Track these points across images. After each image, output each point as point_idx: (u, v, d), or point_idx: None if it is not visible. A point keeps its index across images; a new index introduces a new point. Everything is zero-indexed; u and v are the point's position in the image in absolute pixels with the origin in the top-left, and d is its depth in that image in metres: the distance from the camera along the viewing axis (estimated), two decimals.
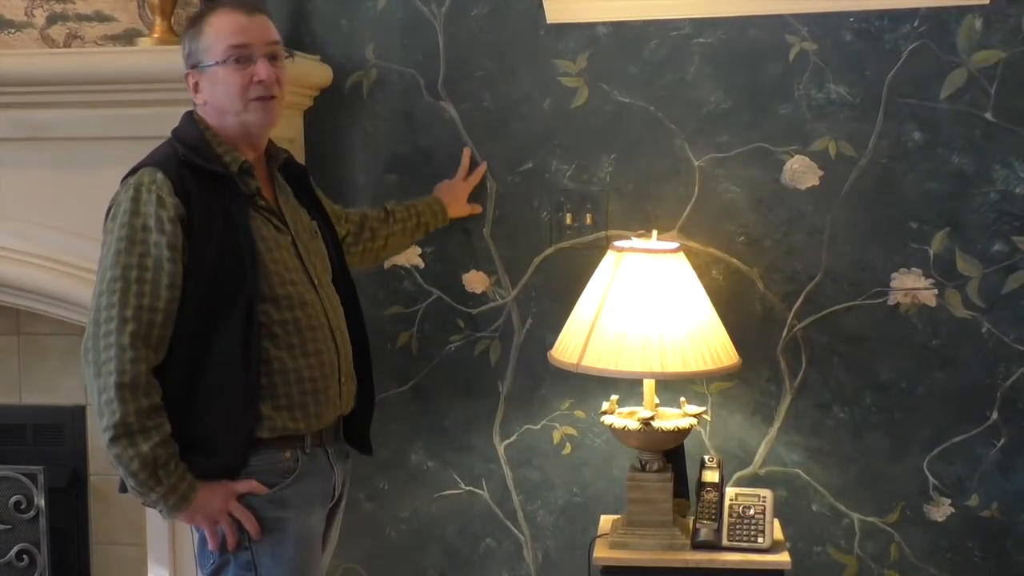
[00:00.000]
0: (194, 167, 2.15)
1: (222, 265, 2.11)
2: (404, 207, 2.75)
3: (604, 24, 2.80)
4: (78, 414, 3.04)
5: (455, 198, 2.81)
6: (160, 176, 2.12)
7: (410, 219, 2.72)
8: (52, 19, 2.94)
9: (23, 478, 3.01)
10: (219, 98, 2.20)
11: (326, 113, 2.94)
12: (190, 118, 2.25)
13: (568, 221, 2.87)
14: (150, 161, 2.18)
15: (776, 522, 2.61)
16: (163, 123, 2.33)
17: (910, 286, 2.76)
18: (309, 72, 2.84)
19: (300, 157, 2.89)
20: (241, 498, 2.17)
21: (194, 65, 2.23)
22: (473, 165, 2.85)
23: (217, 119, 2.22)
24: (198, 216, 2.12)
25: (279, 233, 2.23)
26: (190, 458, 2.12)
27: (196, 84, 2.24)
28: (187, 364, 2.12)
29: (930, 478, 2.81)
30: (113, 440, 2.07)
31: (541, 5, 2.80)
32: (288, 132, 2.82)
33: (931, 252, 2.75)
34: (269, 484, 2.18)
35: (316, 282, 2.26)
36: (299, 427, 2.19)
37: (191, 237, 2.11)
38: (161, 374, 2.10)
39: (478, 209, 2.85)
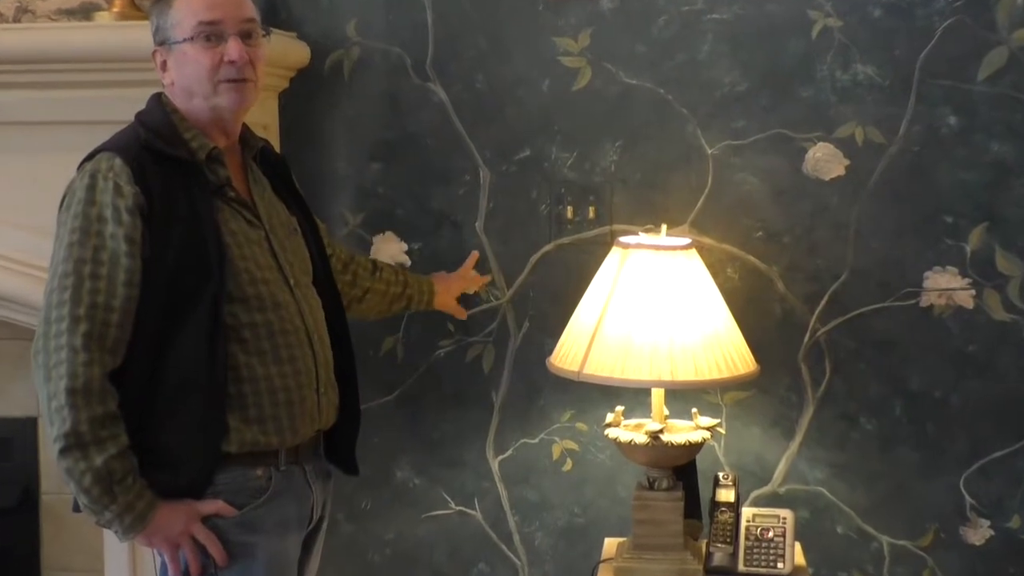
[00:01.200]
0: (157, 153, 2.13)
1: (185, 261, 2.09)
2: (393, 270, 2.74)
3: None
4: (29, 426, 3.01)
5: (446, 289, 2.80)
6: (118, 162, 2.09)
7: (396, 284, 2.70)
8: None
9: None
10: (187, 79, 2.18)
11: (303, 96, 2.93)
12: (157, 100, 2.23)
13: (569, 215, 2.87)
14: (109, 146, 2.14)
15: (797, 545, 2.60)
16: (124, 106, 2.30)
17: (944, 286, 2.76)
18: (285, 51, 2.82)
19: (275, 144, 2.88)
20: (206, 520, 2.13)
21: (161, 42, 2.20)
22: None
23: (185, 102, 2.20)
24: (159, 206, 2.09)
25: (250, 227, 2.21)
26: (149, 474, 2.09)
27: (164, 63, 2.21)
28: (146, 369, 2.09)
29: (967, 497, 2.80)
30: (64, 451, 2.03)
31: None
32: (261, 116, 2.79)
33: (968, 249, 2.74)
34: (238, 505, 2.15)
35: (292, 282, 2.24)
36: (271, 442, 2.17)
37: (151, 229, 2.08)
38: (117, 380, 2.07)
39: (463, 314, 2.85)
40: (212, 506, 2.14)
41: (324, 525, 2.38)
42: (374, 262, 2.72)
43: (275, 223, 2.27)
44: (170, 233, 2.09)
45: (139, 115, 2.22)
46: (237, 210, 2.20)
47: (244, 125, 2.30)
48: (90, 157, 2.15)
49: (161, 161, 2.12)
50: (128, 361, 2.08)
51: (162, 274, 2.08)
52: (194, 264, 2.10)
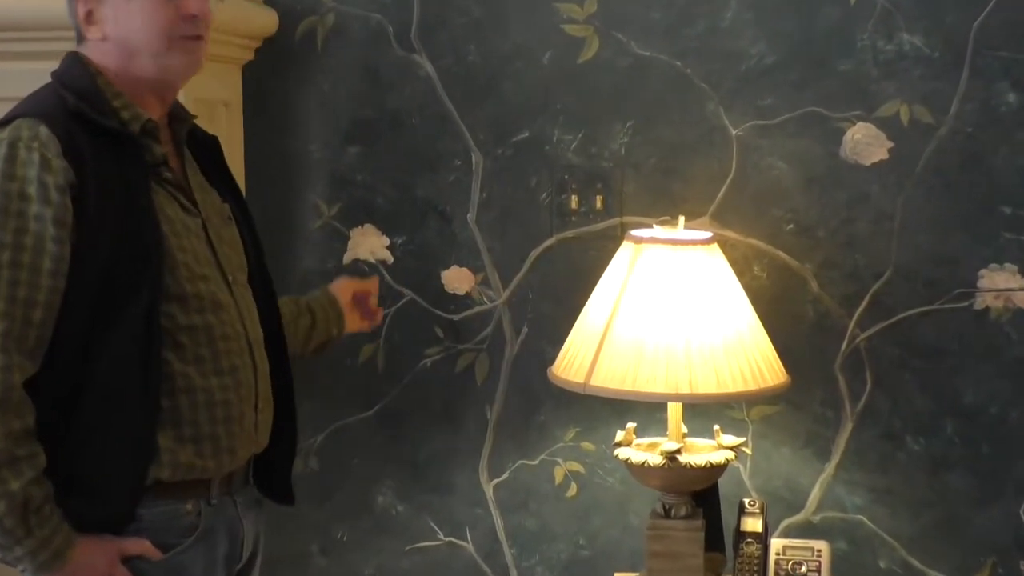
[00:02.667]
0: (87, 122, 2.07)
1: (119, 251, 2.03)
2: (290, 298, 2.59)
3: None
4: None
5: (340, 288, 2.60)
6: (44, 130, 2.00)
7: (303, 314, 2.54)
8: None
9: None
10: (131, 33, 2.11)
11: (270, 69, 2.93)
12: (76, 60, 2.16)
13: (573, 205, 2.87)
14: (28, 111, 2.04)
15: None
16: (26, 81, 2.19)
17: (1002, 286, 2.74)
18: (249, 17, 2.82)
19: (238, 124, 2.87)
20: (127, 561, 2.06)
21: None
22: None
23: (121, 62, 2.13)
24: (93, 186, 2.02)
25: (187, 214, 2.17)
26: (64, 503, 2.04)
27: (90, 13, 2.13)
28: (66, 378, 2.03)
29: None
30: None
31: None
32: (222, 92, 2.80)
33: None
34: (164, 545, 2.08)
35: (230, 279, 2.20)
36: (207, 466, 2.12)
37: (81, 212, 2.02)
38: (31, 390, 2.02)
39: (367, 325, 2.63)
40: (137, 546, 2.07)
41: (258, 560, 2.33)
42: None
43: (210, 210, 2.23)
44: (103, 217, 2.02)
45: (58, 76, 2.14)
46: (172, 194, 2.15)
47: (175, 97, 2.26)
48: (3, 123, 2.06)
49: (91, 132, 2.06)
50: (45, 367, 2.02)
51: (92, 266, 2.01)
52: (129, 255, 2.04)
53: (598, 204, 2.85)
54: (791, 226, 2.80)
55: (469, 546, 2.97)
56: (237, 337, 2.15)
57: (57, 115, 2.03)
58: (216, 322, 2.11)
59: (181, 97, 2.51)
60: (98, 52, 2.12)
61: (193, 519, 2.11)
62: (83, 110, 2.05)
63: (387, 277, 2.93)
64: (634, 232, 2.60)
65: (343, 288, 2.61)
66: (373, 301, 2.65)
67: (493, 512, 2.96)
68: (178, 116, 2.22)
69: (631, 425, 2.62)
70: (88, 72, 2.10)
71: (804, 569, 2.51)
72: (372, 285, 2.67)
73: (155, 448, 2.05)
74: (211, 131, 2.67)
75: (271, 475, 2.30)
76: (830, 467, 2.82)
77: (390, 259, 2.92)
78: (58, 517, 2.00)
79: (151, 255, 2.04)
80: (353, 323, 2.63)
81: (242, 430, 2.15)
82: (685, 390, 2.43)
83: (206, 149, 2.30)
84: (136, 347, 2.02)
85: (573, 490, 2.92)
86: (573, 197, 2.86)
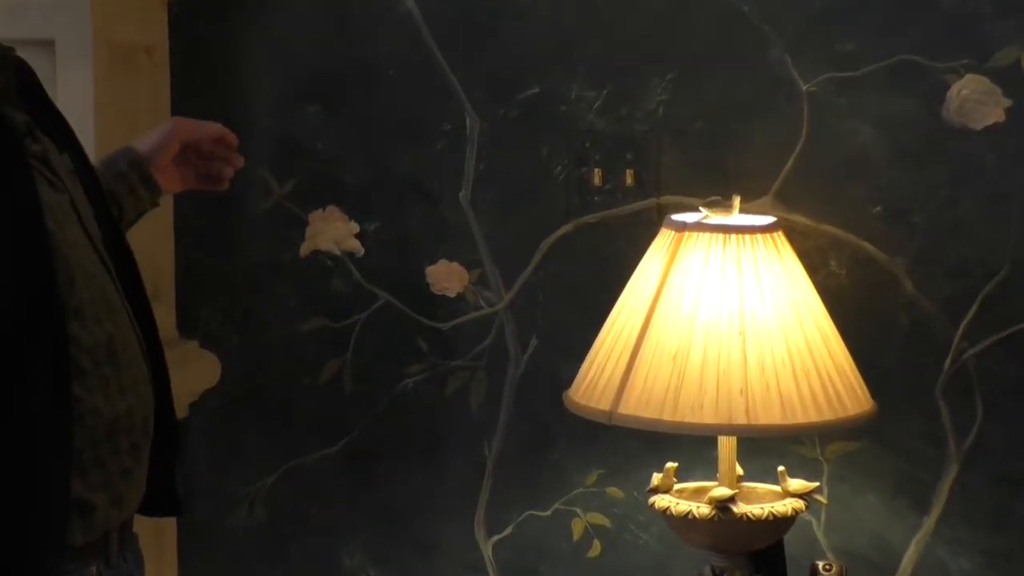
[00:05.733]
0: None
1: (9, 260, 1.94)
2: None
3: None
4: None
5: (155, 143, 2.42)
6: None
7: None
8: None
9: None
10: None
11: (207, 6, 2.94)
12: None
13: (597, 181, 2.85)
14: None
15: None
16: None
17: None
18: None
19: (163, 76, 2.86)
20: None
21: None
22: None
23: None
24: None
25: (56, 192, 2.06)
26: None
27: None
28: None
29: None
30: None
31: None
32: (143, 35, 2.81)
33: None
34: None
35: (111, 268, 2.11)
36: (110, 517, 2.04)
37: None
38: None
39: (216, 185, 2.46)
40: None
41: None
42: None
43: (65, 178, 2.11)
44: None
45: None
46: (39, 169, 2.04)
47: None
48: None
49: None
50: None
51: None
52: (14, 265, 1.93)
53: (628, 180, 2.84)
54: (878, 209, 2.77)
55: None
56: (130, 344, 2.05)
57: None
58: (114, 329, 2.01)
59: (80, 36, 2.51)
60: None
61: None
62: None
63: (356, 274, 2.92)
64: (675, 217, 2.57)
65: (165, 144, 2.37)
66: (224, 167, 2.39)
67: None
68: None
69: (671, 465, 2.59)
70: None
71: None
72: (212, 130, 2.40)
73: (73, 504, 1.96)
74: (129, 86, 2.69)
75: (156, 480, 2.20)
76: (929, 521, 2.79)
77: (360, 251, 2.91)
78: None
79: (42, 260, 1.94)
80: (183, 181, 2.41)
81: (140, 462, 2.05)
82: (741, 420, 2.39)
83: (26, 86, 2.16)
84: (45, 382, 1.92)
85: (596, 549, 2.90)
86: (596, 171, 2.84)
